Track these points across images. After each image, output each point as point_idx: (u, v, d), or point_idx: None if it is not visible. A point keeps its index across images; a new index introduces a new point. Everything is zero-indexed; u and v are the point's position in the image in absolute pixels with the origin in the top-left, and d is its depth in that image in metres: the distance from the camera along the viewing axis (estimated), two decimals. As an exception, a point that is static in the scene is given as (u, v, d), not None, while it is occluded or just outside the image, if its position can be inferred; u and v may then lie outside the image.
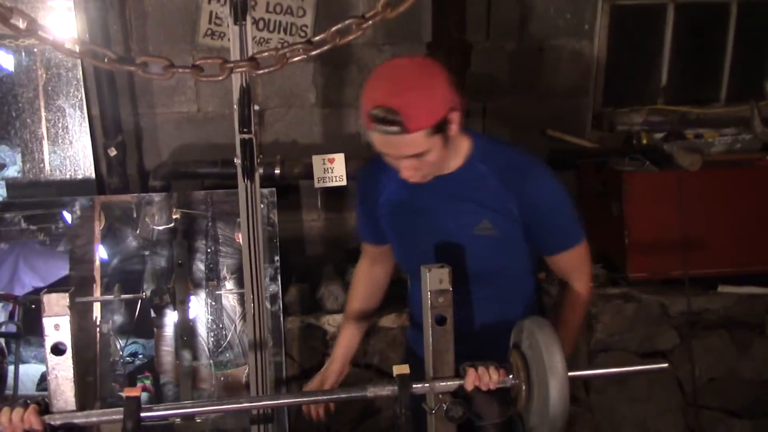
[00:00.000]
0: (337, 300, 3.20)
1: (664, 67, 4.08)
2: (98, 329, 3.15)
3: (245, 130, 2.02)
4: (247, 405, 2.05)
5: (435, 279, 1.78)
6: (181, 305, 3.13)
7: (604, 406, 3.39)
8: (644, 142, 3.56)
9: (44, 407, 1.68)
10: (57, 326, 1.72)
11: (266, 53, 1.41)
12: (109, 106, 3.33)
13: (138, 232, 3.19)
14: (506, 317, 2.01)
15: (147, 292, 3.13)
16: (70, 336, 1.72)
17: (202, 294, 3.18)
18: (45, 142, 3.43)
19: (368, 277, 2.38)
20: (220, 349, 3.16)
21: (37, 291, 3.15)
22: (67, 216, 3.16)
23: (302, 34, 3.50)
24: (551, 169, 2.05)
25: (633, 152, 3.54)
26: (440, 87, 1.88)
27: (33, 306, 3.08)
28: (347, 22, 1.41)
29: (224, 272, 3.19)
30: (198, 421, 3.10)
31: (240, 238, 2.35)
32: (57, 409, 1.72)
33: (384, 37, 3.65)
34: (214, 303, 3.17)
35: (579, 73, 3.88)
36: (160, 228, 3.20)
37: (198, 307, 3.16)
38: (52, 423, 1.67)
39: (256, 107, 2.04)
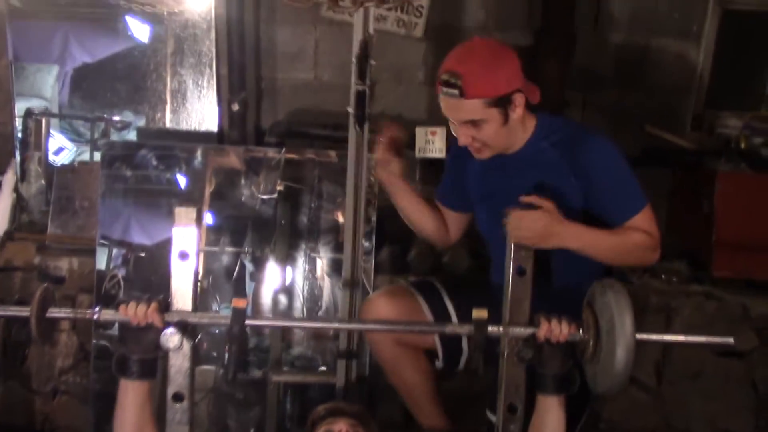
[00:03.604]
0: (426, 262, 3.36)
1: (769, 74, 4.05)
2: (198, 284, 3.32)
3: (360, 82, 2.22)
4: (336, 325, 2.28)
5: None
6: (281, 262, 3.28)
7: (675, 399, 3.44)
8: (743, 146, 3.56)
9: (164, 305, 1.94)
10: (184, 235, 1.98)
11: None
12: (236, 68, 3.63)
13: (243, 200, 3.39)
14: (578, 284, 2.15)
15: (248, 248, 3.31)
16: (195, 246, 1.98)
17: (301, 251, 3.36)
18: (175, 96, 3.75)
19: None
20: (315, 304, 3.32)
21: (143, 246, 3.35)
22: (180, 180, 3.37)
23: (417, 14, 3.71)
24: (611, 141, 2.18)
25: (730, 154, 3.55)
26: (506, 67, 2.09)
27: (142, 255, 3.30)
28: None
29: (324, 229, 3.36)
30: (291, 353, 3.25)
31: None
32: (175, 308, 1.98)
33: (495, 24, 3.79)
34: (311, 259, 3.35)
35: (683, 73, 3.91)
36: (265, 197, 3.41)
37: (297, 264, 3.31)
38: (170, 320, 1.93)
39: (373, 62, 2.25)
